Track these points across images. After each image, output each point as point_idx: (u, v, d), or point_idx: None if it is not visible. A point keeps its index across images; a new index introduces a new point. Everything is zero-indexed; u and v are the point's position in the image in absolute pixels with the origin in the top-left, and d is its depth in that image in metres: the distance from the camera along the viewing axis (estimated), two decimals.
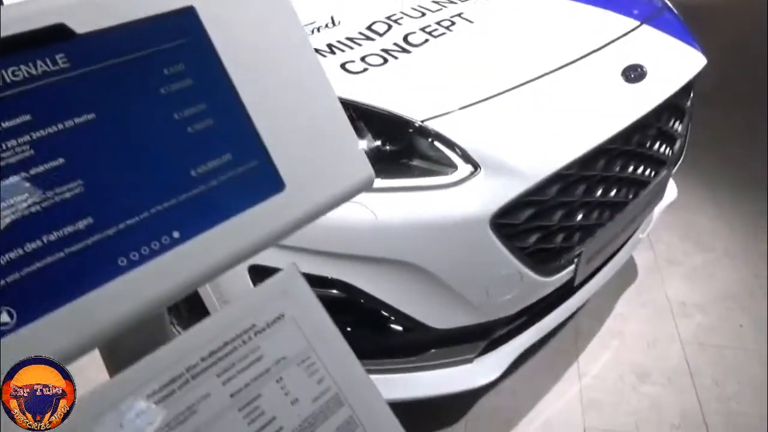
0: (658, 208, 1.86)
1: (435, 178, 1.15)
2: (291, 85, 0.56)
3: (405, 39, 1.33)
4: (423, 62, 1.28)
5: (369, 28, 1.36)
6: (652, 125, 1.45)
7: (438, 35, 1.35)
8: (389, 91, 1.20)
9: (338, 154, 0.57)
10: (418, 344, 1.31)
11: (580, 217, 1.34)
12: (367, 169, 0.60)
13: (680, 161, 1.67)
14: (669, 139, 1.57)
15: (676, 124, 1.54)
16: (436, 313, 1.26)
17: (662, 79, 1.42)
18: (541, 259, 1.32)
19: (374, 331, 1.27)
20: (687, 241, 2.28)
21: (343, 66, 1.23)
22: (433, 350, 1.34)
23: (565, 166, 1.22)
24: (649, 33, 1.50)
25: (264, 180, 0.53)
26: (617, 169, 1.38)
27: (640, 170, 1.49)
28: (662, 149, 1.55)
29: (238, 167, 0.52)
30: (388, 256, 1.15)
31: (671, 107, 1.48)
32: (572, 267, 1.39)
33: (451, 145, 1.16)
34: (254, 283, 1.20)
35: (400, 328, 1.27)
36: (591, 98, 1.31)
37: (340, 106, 0.59)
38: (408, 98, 1.19)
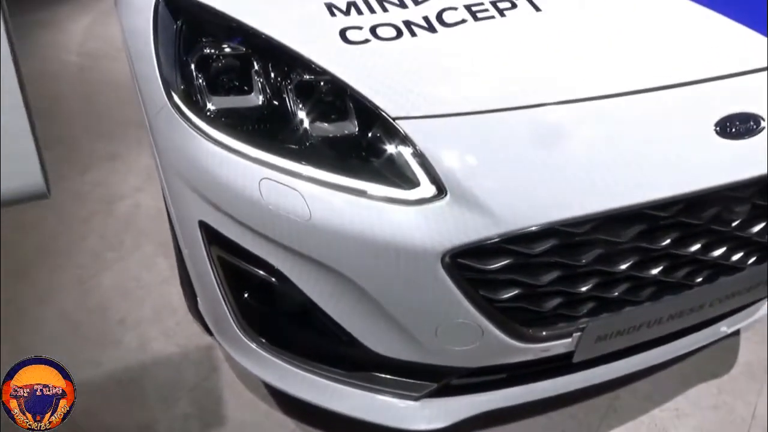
0: None
1: (389, 189, 0.98)
2: None
3: (439, 14, 1.11)
4: (441, 47, 1.06)
5: None
6: (747, 200, 1.07)
7: (482, 18, 1.11)
8: (377, 72, 1.02)
9: None
10: (356, 360, 1.18)
11: (589, 286, 1.06)
12: (34, 178, 0.48)
13: None
14: None
15: None
16: (376, 335, 1.11)
17: None
18: (521, 319, 1.08)
19: (309, 330, 1.16)
20: None
21: (343, 32, 1.07)
22: (374, 373, 1.20)
23: (564, 221, 0.96)
24: None
25: None
26: (666, 243, 1.06)
27: (718, 252, 1.13)
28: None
29: None
30: (321, 260, 1.02)
31: None
32: (569, 340, 1.12)
33: (419, 156, 0.97)
34: (206, 242, 1.16)
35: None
36: (644, 145, 1.00)
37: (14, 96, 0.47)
38: (395, 86, 1.01)
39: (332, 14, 1.11)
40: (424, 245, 0.96)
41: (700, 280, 1.16)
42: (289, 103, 1.05)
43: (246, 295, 1.17)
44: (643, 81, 1.04)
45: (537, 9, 1.13)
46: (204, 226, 1.13)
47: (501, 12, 1.12)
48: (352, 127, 1.02)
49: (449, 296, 1.01)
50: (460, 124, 0.98)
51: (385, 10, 1.12)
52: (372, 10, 1.12)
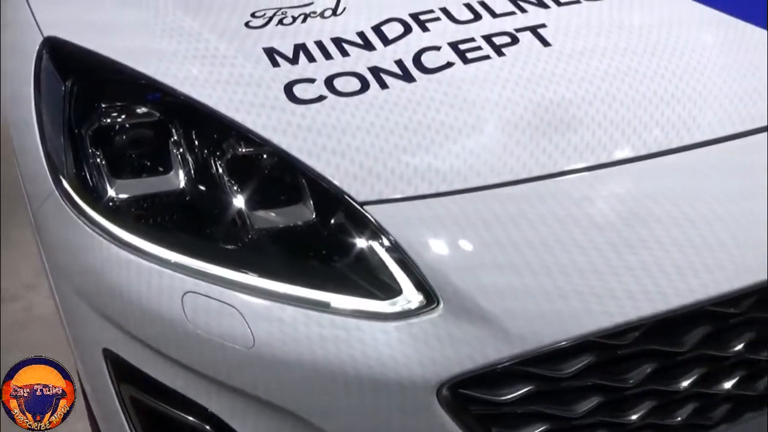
0: None
1: (360, 300, 0.94)
2: None
3: (417, 57, 1.10)
4: (422, 102, 1.04)
5: (376, 28, 1.15)
6: None
7: (474, 59, 1.10)
8: (336, 141, 1.00)
9: None
10: None
11: (643, 412, 1.03)
12: None
13: None
14: None
15: None
16: None
17: None
18: None
19: None
20: None
21: (289, 87, 1.05)
22: None
23: (603, 331, 0.93)
24: None
25: None
26: (739, 347, 1.03)
27: None
28: None
29: None
30: (272, 400, 0.97)
31: None
32: None
33: (399, 252, 0.93)
34: (114, 378, 1.10)
35: None
36: (700, 221, 0.98)
37: None
38: (360, 158, 0.98)
39: (275, 63, 1.09)
40: (412, 375, 0.91)
41: None
42: (221, 184, 1.02)
43: None
44: (690, 134, 1.03)
45: (545, 44, 1.12)
46: (110, 357, 1.08)
47: (498, 50, 1.11)
48: (307, 213, 0.99)
49: None
50: (451, 206, 0.95)
51: (345, 54, 1.11)
52: (328, 56, 1.10)
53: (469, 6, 1.20)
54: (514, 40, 1.13)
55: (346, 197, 0.96)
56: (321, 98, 1.04)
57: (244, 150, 1.03)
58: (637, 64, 1.12)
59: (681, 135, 1.05)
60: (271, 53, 1.11)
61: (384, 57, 1.11)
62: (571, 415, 0.99)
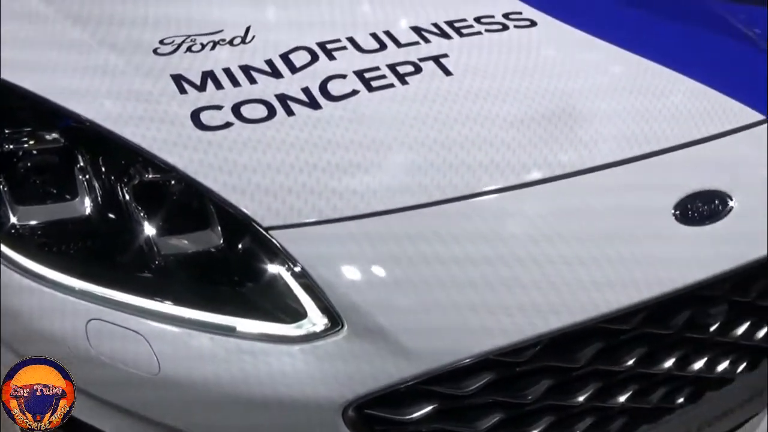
0: None
1: (266, 324, 0.96)
2: None
3: (323, 85, 1.13)
4: (327, 128, 1.07)
5: (284, 56, 1.18)
6: (722, 298, 1.12)
7: (378, 87, 1.13)
8: (243, 167, 1.01)
9: None
10: None
11: (542, 427, 1.07)
12: None
13: None
14: None
15: None
16: None
17: (756, 227, 1.09)
18: None
19: None
20: None
21: (196, 114, 1.06)
22: None
23: (499, 349, 0.96)
24: None
25: None
26: (631, 362, 1.09)
27: (698, 364, 1.17)
28: (756, 332, 1.21)
29: None
30: (179, 427, 0.98)
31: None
32: None
33: (303, 277, 0.96)
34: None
35: None
36: (589, 243, 1.03)
37: None
38: (266, 184, 1.00)
39: (182, 90, 1.10)
40: (318, 396, 0.94)
41: (681, 400, 1.19)
42: (127, 211, 1.02)
43: None
44: (581, 159, 1.08)
45: (447, 73, 1.17)
46: None
47: (402, 78, 1.15)
48: (214, 239, 1.00)
49: None
50: (354, 230, 0.98)
51: (253, 81, 1.13)
52: (236, 83, 1.12)
53: (375, 36, 1.23)
54: (418, 69, 1.17)
55: (252, 223, 0.97)
56: (228, 125, 1.05)
57: (150, 176, 1.03)
58: (534, 91, 1.17)
59: (591, 155, 1.10)
60: (178, 80, 1.11)
61: (291, 84, 1.13)
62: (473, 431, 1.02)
